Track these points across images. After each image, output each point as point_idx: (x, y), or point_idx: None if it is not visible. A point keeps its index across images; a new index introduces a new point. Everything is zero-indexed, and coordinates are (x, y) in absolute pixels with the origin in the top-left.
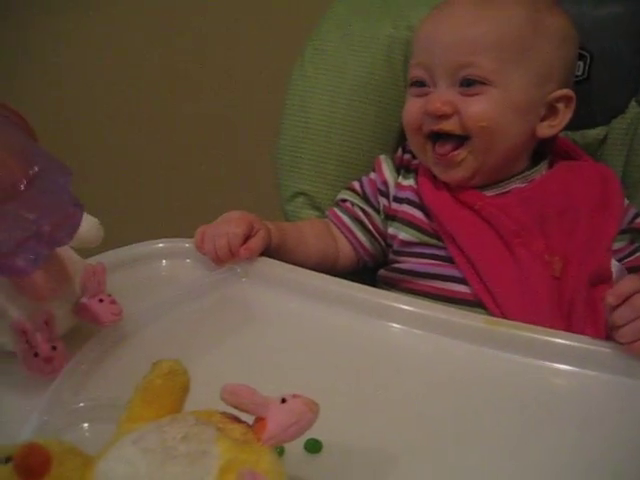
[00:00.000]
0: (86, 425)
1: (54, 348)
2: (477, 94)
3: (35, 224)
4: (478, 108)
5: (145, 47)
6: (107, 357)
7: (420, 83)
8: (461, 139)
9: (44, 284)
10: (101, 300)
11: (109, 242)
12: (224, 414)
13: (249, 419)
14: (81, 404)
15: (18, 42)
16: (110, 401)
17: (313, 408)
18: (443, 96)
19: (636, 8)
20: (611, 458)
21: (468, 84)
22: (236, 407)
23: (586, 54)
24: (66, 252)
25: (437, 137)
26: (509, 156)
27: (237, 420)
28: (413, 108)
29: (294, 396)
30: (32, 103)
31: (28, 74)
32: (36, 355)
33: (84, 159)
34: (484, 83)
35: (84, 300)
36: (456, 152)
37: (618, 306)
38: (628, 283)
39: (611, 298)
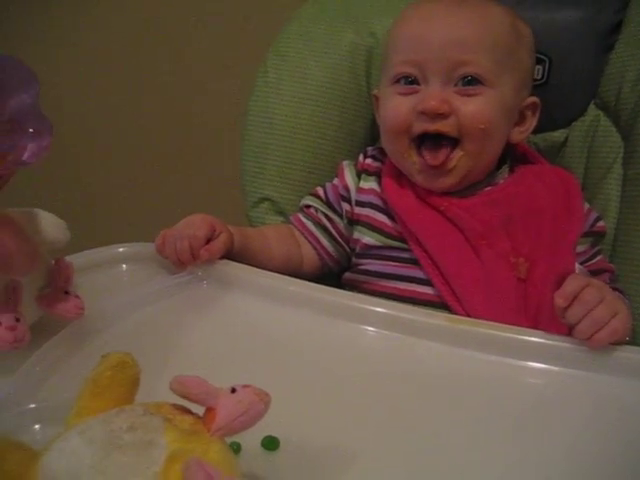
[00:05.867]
0: (37, 427)
1: (17, 320)
2: (476, 94)
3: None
4: (477, 108)
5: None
6: (65, 359)
7: (410, 80)
8: (451, 142)
9: (16, 252)
10: (66, 292)
11: (69, 247)
12: (174, 405)
13: (201, 411)
14: (32, 405)
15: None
16: (62, 402)
17: (264, 398)
18: (440, 94)
19: (591, 12)
20: (583, 453)
21: (467, 83)
22: (185, 397)
23: (545, 58)
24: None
25: (421, 141)
26: (493, 161)
27: (187, 411)
28: (402, 107)
29: (244, 386)
30: None
31: None
32: None
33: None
34: (482, 83)
35: (49, 290)
36: (450, 156)
37: (569, 306)
38: (573, 282)
39: (560, 300)
